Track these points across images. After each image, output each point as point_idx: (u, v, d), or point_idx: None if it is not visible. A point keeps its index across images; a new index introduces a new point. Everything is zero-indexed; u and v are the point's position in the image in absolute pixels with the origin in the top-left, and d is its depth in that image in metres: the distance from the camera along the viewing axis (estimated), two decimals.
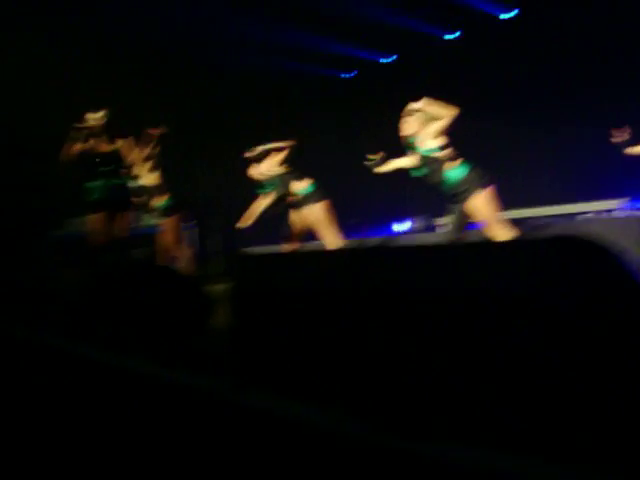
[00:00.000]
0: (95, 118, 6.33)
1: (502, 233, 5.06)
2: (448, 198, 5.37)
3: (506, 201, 7.74)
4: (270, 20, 10.20)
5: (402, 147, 5.67)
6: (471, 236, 5.59)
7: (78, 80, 9.72)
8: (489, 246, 1.85)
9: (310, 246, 6.94)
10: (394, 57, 12.13)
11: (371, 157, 5.92)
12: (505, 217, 5.34)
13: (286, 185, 6.51)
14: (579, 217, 8.15)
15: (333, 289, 2.14)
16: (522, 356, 1.53)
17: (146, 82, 9.72)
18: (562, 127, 9.08)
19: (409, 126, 5.45)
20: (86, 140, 6.35)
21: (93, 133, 6.30)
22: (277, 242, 8.36)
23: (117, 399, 2.72)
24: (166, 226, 7.24)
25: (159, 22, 9.82)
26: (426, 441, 1.55)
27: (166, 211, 7.20)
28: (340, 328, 2.10)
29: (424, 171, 5.41)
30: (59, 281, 7.18)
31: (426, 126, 5.32)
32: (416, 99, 5.57)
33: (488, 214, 5.12)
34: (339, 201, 6.80)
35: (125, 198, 6.75)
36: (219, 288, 4.71)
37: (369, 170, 5.95)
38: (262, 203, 6.76)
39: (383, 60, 12.21)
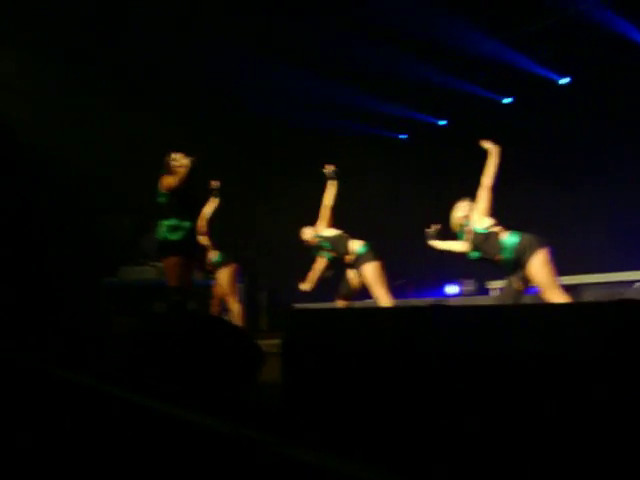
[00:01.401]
0: (185, 159, 6.11)
1: (559, 297, 5.03)
2: (510, 268, 5.41)
3: (559, 267, 7.69)
4: (328, 79, 10.43)
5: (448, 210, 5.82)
6: (528, 300, 5.59)
7: (138, 136, 10.01)
8: (551, 308, 1.86)
9: (362, 304, 7.00)
10: (446, 121, 12.24)
11: (431, 228, 6.20)
12: (560, 282, 5.32)
13: (344, 246, 6.67)
14: (637, 284, 8.00)
15: (384, 346, 2.15)
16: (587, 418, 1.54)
17: (205, 135, 9.95)
18: (616, 192, 9.01)
19: (460, 209, 5.61)
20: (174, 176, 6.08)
21: (178, 173, 6.05)
22: (323, 299, 8.41)
23: (166, 446, 2.74)
24: (221, 279, 7.40)
25: (223, 77, 10.13)
26: None
27: (220, 263, 7.36)
28: (392, 385, 2.11)
29: (479, 253, 5.50)
30: (112, 328, 7.28)
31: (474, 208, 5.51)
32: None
33: (545, 276, 5.11)
34: (387, 262, 6.86)
35: (195, 244, 6.35)
36: (270, 342, 4.76)
37: (425, 239, 6.07)
38: (321, 264, 6.92)
39: (437, 122, 12.32)
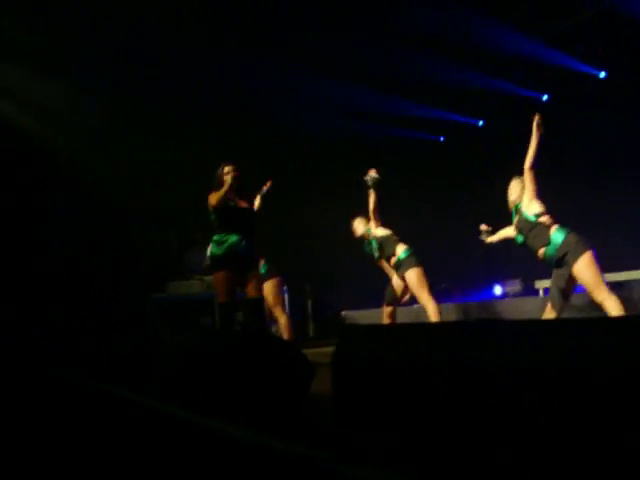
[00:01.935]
0: (227, 169, 6.14)
1: (606, 296, 5.00)
2: (552, 264, 5.36)
3: (606, 264, 7.59)
4: (363, 87, 10.50)
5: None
6: (575, 301, 5.55)
7: (182, 154, 10.20)
8: (602, 323, 1.86)
9: (409, 310, 7.01)
10: (484, 121, 12.20)
11: (482, 229, 6.18)
12: (606, 280, 5.28)
13: (391, 247, 6.73)
14: None
15: (436, 363, 2.18)
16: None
17: (247, 148, 10.06)
18: None
19: (512, 191, 5.58)
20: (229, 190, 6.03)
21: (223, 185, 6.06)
22: (369, 305, 8.43)
23: (216, 465, 2.78)
24: (265, 292, 7.38)
25: (258, 91, 10.28)
26: None
27: (264, 276, 7.36)
28: (441, 402, 2.13)
29: (524, 239, 5.47)
30: (161, 344, 7.39)
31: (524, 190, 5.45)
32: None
33: (591, 277, 5.08)
34: (432, 265, 6.88)
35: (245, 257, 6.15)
36: (319, 351, 4.79)
37: (482, 242, 6.14)
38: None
39: (475, 123, 12.29)
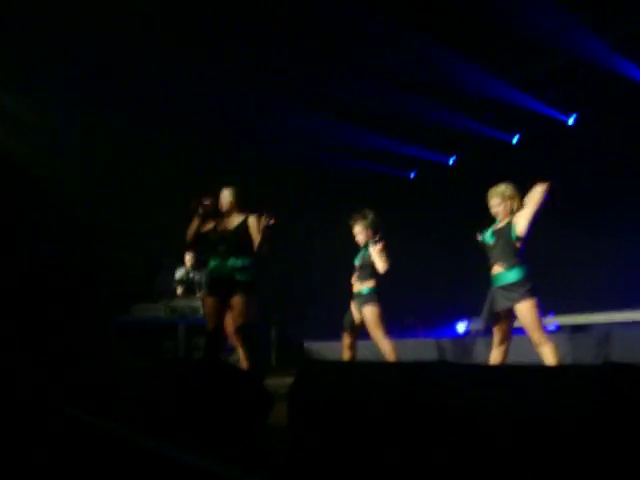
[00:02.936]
0: (224, 195, 6.20)
1: (542, 339, 5.08)
2: (496, 284, 5.42)
3: (572, 305, 7.67)
4: (336, 119, 10.60)
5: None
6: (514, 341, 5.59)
7: (154, 167, 10.17)
8: (555, 371, 1.90)
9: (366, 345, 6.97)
10: (454, 158, 12.38)
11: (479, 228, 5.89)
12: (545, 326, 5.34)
13: (367, 276, 6.64)
14: None
15: (389, 400, 2.20)
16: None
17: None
18: (627, 231, 9.02)
19: (498, 203, 5.58)
20: (205, 218, 6.13)
21: (211, 211, 6.14)
22: (333, 336, 8.42)
23: None
24: (227, 318, 7.30)
25: (238, 119, 10.33)
26: None
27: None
28: (395, 439, 2.15)
29: (495, 244, 5.47)
30: (123, 368, 7.31)
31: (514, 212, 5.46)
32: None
33: (532, 321, 5.16)
34: (398, 299, 6.89)
35: (235, 281, 6.05)
36: (280, 382, 4.78)
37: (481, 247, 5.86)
38: None
39: (446, 161, 12.46)
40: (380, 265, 6.49)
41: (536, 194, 5.34)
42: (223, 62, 9.14)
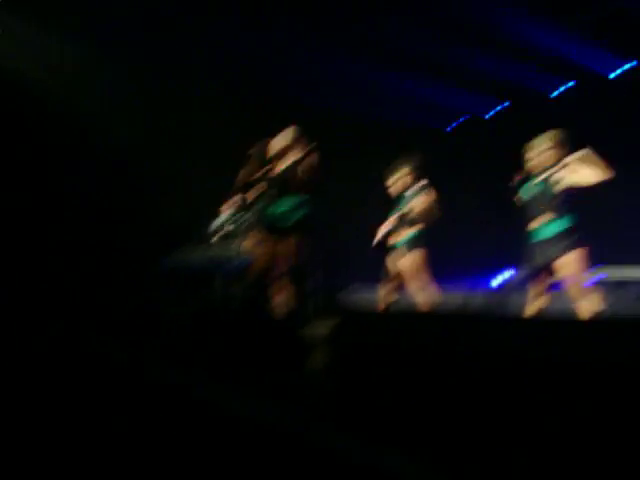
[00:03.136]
0: (277, 138, 6.16)
1: (584, 295, 5.01)
2: (540, 238, 5.35)
3: (615, 259, 7.54)
4: (380, 66, 10.46)
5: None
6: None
7: (200, 117, 10.19)
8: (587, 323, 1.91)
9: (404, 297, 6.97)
10: (499, 107, 12.16)
11: (515, 180, 5.77)
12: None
13: (410, 220, 6.62)
14: None
15: (428, 350, 2.23)
16: None
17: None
18: None
19: (540, 151, 5.47)
20: (259, 162, 6.12)
21: (265, 155, 6.09)
22: (375, 282, 8.44)
23: (215, 438, 2.82)
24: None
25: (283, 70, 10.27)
26: None
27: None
28: (432, 384, 2.18)
29: (542, 194, 5.38)
30: (167, 311, 7.44)
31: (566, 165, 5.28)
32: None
33: (575, 272, 5.08)
34: (437, 251, 6.83)
35: (286, 224, 6.06)
36: (320, 329, 4.82)
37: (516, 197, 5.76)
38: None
39: (484, 112, 12.27)
40: (430, 211, 6.45)
41: (598, 170, 5.04)
42: (264, 11, 9.05)
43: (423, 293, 6.42)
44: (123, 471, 2.56)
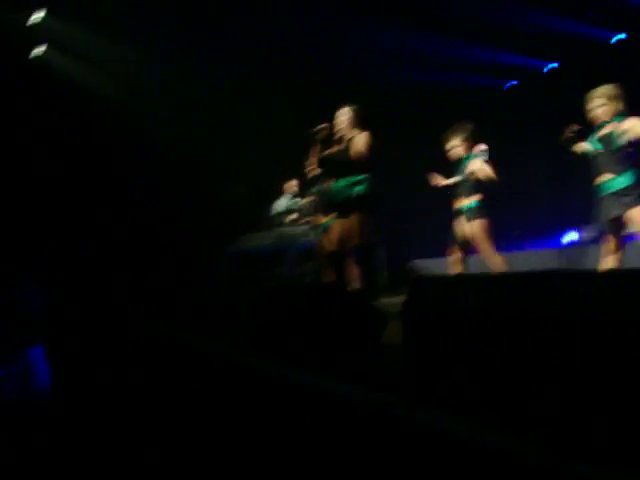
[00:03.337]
0: (339, 116, 6.12)
1: None
2: (605, 192, 5.27)
3: None
4: (428, 32, 10.35)
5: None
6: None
7: (259, 104, 10.28)
8: None
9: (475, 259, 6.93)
10: (556, 64, 11.89)
11: (571, 130, 5.63)
12: None
13: (470, 188, 6.58)
14: None
15: (504, 314, 2.24)
16: None
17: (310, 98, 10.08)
18: None
19: (600, 104, 5.35)
20: (324, 142, 6.09)
21: (329, 135, 6.07)
22: (440, 254, 8.41)
23: (290, 412, 2.89)
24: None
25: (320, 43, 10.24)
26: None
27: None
28: (508, 351, 2.19)
29: (604, 152, 5.29)
30: (235, 296, 7.56)
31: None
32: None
33: None
34: (504, 213, 6.77)
35: (349, 200, 6.02)
36: (392, 301, 4.85)
37: (567, 146, 5.66)
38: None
39: (546, 67, 12.00)
40: (490, 175, 6.37)
41: None
42: None
43: (492, 259, 6.39)
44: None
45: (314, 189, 8.28)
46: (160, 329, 5.63)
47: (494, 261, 6.38)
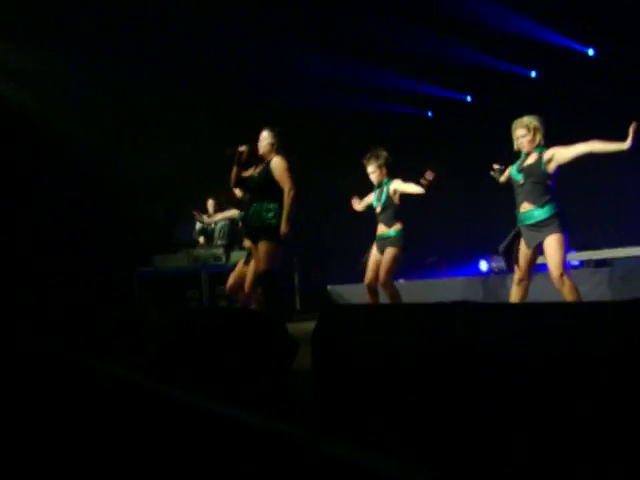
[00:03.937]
0: (261, 139, 6.02)
1: (566, 281, 5.01)
2: (523, 223, 5.35)
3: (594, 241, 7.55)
4: (356, 61, 10.45)
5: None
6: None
7: (165, 123, 10.12)
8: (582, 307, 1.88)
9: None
10: (472, 95, 12.19)
11: (495, 167, 5.75)
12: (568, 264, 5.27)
13: (392, 217, 6.61)
14: None
15: (413, 345, 2.20)
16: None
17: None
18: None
19: (524, 133, 5.43)
20: (244, 163, 6.01)
21: (249, 157, 5.98)
22: (354, 280, 8.43)
23: (197, 441, 2.79)
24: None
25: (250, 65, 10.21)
26: None
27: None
28: (419, 381, 2.15)
29: (524, 182, 5.35)
30: (145, 318, 7.38)
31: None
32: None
33: (558, 258, 5.08)
34: (420, 239, 6.83)
35: (259, 226, 5.88)
36: (304, 326, 4.80)
37: (496, 181, 5.76)
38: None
39: (464, 99, 12.27)
40: (415, 189, 6.42)
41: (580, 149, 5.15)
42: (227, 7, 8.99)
43: (389, 289, 6.46)
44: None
45: (232, 211, 8.18)
46: (50, 345, 5.46)
47: (390, 292, 6.46)
